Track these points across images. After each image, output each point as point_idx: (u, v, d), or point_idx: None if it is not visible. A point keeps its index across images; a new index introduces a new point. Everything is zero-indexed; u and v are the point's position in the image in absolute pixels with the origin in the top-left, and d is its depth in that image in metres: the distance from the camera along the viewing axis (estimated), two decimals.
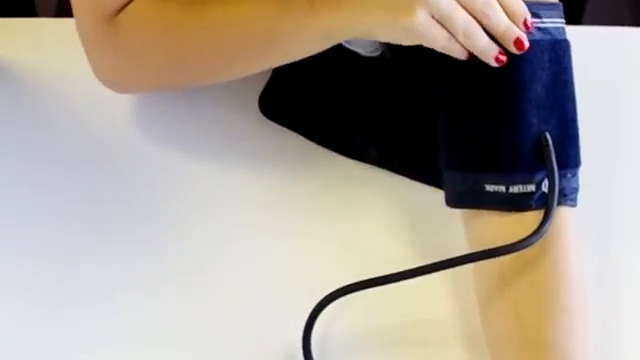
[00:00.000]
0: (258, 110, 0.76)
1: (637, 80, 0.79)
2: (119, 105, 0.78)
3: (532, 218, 0.60)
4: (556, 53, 0.62)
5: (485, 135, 0.62)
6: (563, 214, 0.61)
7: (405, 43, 0.60)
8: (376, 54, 0.73)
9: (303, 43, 0.64)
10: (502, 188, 0.61)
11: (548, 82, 0.62)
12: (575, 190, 0.62)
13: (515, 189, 0.61)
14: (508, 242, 0.59)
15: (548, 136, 0.61)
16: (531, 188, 0.61)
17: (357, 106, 0.74)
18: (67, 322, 0.67)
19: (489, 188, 0.62)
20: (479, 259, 0.60)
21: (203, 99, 0.77)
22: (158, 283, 0.69)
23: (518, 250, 0.59)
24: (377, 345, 0.66)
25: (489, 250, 0.59)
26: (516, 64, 0.61)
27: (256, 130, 0.76)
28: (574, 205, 0.62)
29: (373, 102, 0.74)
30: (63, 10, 0.73)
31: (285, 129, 0.76)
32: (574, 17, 1.09)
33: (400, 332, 0.66)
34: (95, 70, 0.71)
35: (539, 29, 0.61)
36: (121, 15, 0.68)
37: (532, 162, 0.61)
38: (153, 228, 0.72)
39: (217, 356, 0.66)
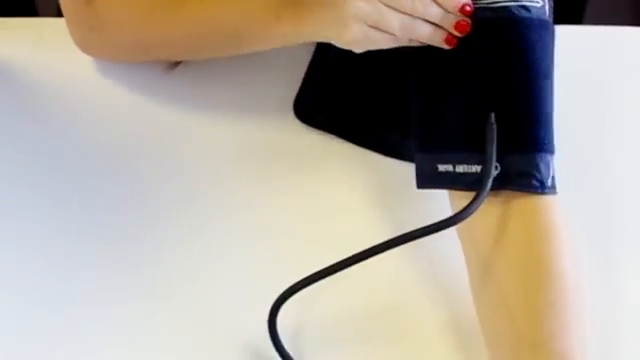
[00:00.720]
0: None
1: (637, 79, 0.79)
2: (120, 104, 0.78)
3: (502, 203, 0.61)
4: (508, 31, 0.61)
5: (435, 116, 0.63)
6: (541, 204, 0.61)
7: (358, 51, 0.63)
8: None
9: (268, 44, 0.68)
10: (450, 167, 0.62)
11: (497, 62, 0.61)
12: (530, 175, 0.60)
13: (460, 168, 0.62)
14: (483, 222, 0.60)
15: (492, 116, 0.60)
16: (476, 169, 0.61)
17: (393, 102, 0.75)
18: (64, 322, 0.68)
19: (441, 168, 0.63)
20: (403, 242, 0.60)
21: (205, 99, 0.78)
22: (149, 276, 0.69)
23: (440, 229, 0.59)
24: (348, 329, 0.67)
25: (410, 232, 0.60)
26: (465, 41, 0.61)
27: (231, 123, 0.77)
28: (536, 192, 0.60)
29: (409, 98, 0.72)
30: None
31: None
32: (575, 17, 1.09)
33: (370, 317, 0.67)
34: (74, 41, 0.75)
35: (490, 9, 0.61)
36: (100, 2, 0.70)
37: (476, 142, 0.61)
38: (150, 225, 0.72)
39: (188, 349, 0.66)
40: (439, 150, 0.63)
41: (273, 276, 0.65)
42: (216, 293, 0.69)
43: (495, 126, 0.60)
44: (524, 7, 0.61)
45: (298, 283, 0.63)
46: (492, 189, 0.60)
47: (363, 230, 0.69)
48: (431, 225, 0.59)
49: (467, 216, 0.59)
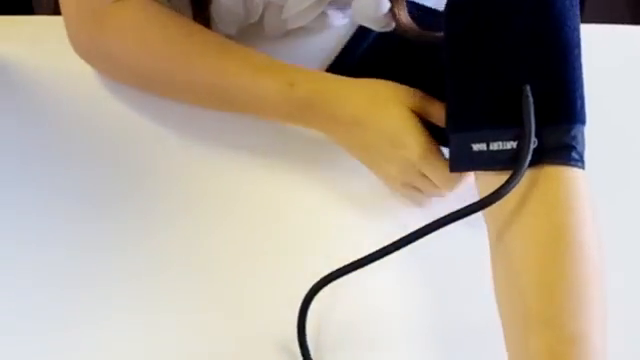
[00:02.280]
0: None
1: (635, 78, 0.79)
2: (118, 103, 0.78)
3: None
4: (539, 2, 0.58)
5: (468, 93, 0.60)
6: (564, 176, 0.57)
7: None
8: (388, 29, 0.74)
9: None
10: (484, 146, 0.59)
11: (531, 31, 0.58)
12: (570, 148, 0.57)
13: (495, 146, 0.58)
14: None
15: (528, 88, 0.57)
16: (511, 145, 0.58)
17: None
18: (63, 321, 0.67)
19: (475, 147, 0.59)
20: (438, 227, 0.58)
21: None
22: (153, 280, 0.69)
23: (482, 208, 0.57)
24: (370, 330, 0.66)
25: (448, 216, 0.57)
26: (491, 16, 0.59)
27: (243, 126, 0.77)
28: (575, 165, 0.57)
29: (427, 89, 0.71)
30: (60, 8, 0.73)
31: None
32: None
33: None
34: (74, 48, 0.75)
35: None
36: (108, 25, 0.71)
37: (511, 117, 0.57)
38: (152, 227, 0.72)
39: (213, 351, 0.66)
40: (473, 128, 0.60)
41: (280, 275, 0.66)
42: (236, 294, 0.69)
43: (531, 98, 0.57)
44: None
45: (333, 273, 0.62)
46: (530, 164, 0.56)
47: (374, 228, 0.70)
48: (468, 206, 0.57)
49: (506, 192, 0.55)
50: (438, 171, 0.67)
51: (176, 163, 0.75)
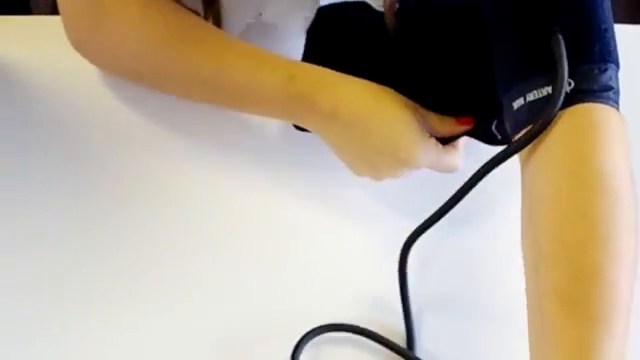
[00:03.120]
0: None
1: (633, 78, 0.78)
2: (118, 102, 0.77)
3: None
4: None
5: (503, 54, 0.59)
6: (596, 110, 0.55)
7: None
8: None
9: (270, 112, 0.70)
10: (522, 101, 0.57)
11: None
12: (609, 88, 0.56)
13: (531, 96, 0.56)
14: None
15: (558, 34, 0.55)
16: (547, 90, 0.55)
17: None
18: (62, 321, 0.67)
19: (515, 105, 0.57)
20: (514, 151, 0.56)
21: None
22: (153, 277, 0.69)
23: (511, 155, 0.56)
24: None
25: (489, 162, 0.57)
26: None
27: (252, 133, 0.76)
28: (611, 104, 0.55)
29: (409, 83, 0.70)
30: (58, 8, 0.73)
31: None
32: None
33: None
34: (71, 42, 0.74)
35: None
36: (108, 18, 0.70)
37: (542, 63, 0.56)
38: (152, 227, 0.72)
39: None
40: (511, 87, 0.58)
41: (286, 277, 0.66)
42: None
43: (561, 38, 0.55)
44: None
45: (424, 224, 0.62)
46: (564, 105, 0.54)
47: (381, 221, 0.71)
48: (506, 149, 0.56)
49: (539, 133, 0.54)
50: (442, 165, 0.67)
51: (176, 163, 0.75)
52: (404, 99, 0.67)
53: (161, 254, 0.70)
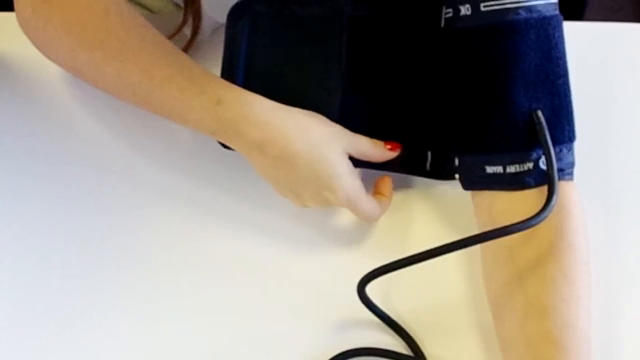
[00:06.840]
0: None
1: (637, 76, 0.78)
2: (117, 102, 0.77)
3: (534, 194, 0.62)
4: (545, 30, 0.62)
5: (479, 118, 0.64)
6: (564, 187, 0.62)
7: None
8: None
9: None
10: (500, 169, 0.63)
11: (537, 60, 0.62)
12: (572, 164, 0.63)
13: (512, 169, 0.63)
14: (513, 219, 0.59)
15: (540, 114, 0.62)
16: (528, 166, 0.62)
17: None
18: (63, 321, 0.67)
19: (489, 170, 0.64)
20: (493, 237, 0.59)
21: None
22: (153, 277, 0.69)
23: (531, 226, 0.59)
24: None
25: (503, 228, 0.59)
26: (502, 45, 0.62)
27: None
28: (571, 179, 0.63)
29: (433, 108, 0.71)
30: None
31: None
32: (575, 13, 1.08)
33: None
34: (17, 20, 0.72)
35: (525, 8, 0.62)
36: (53, 9, 0.68)
37: (525, 141, 0.62)
38: (152, 226, 0.72)
39: None
40: (487, 152, 0.64)
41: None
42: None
43: (545, 123, 0.61)
44: (552, 4, 0.63)
45: (384, 266, 0.61)
46: (537, 183, 0.62)
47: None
48: (514, 224, 0.58)
49: (549, 212, 0.59)
50: (360, 212, 0.67)
51: (176, 162, 0.75)
52: (333, 128, 0.66)
53: (161, 250, 0.70)
